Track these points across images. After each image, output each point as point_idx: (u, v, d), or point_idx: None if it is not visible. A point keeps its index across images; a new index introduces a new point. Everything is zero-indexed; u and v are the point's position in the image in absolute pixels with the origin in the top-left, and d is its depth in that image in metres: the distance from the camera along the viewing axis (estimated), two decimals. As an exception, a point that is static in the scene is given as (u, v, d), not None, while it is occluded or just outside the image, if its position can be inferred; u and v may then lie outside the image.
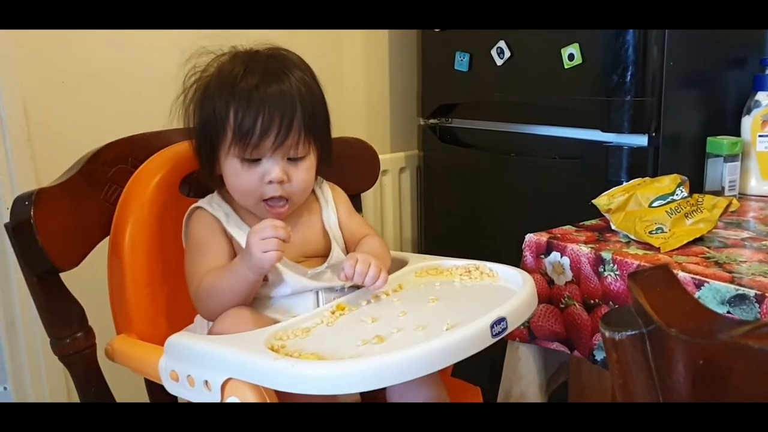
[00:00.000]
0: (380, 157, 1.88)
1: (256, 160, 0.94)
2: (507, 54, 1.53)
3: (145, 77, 1.51)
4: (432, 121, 1.81)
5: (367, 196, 1.86)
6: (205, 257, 0.95)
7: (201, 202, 1.01)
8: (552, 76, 1.44)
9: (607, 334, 0.49)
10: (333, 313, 0.90)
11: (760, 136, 1.41)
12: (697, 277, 0.95)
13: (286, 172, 0.94)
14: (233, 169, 0.94)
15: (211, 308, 0.93)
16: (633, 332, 0.47)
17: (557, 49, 1.42)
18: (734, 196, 1.38)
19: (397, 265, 1.09)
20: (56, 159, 1.13)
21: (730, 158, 1.36)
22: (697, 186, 1.40)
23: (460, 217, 1.76)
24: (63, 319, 0.93)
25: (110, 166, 1.04)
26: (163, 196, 1.04)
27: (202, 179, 1.03)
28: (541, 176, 1.53)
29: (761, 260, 1.01)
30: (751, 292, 0.89)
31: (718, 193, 1.37)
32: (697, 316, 0.42)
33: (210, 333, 0.93)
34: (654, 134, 1.37)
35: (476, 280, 1.01)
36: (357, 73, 1.88)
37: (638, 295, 0.48)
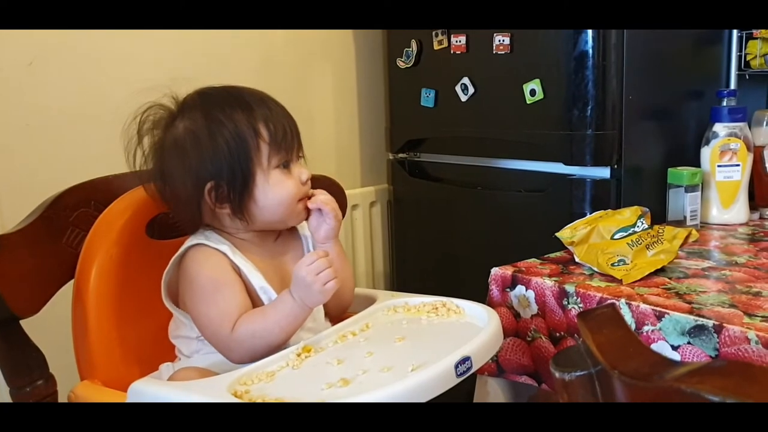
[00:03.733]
0: (351, 191, 1.91)
1: (288, 164, 0.96)
2: (471, 90, 1.56)
3: (109, 120, 1.50)
4: (401, 155, 1.82)
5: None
6: (227, 297, 0.92)
7: (197, 239, 0.96)
8: (515, 111, 1.47)
9: (557, 374, 0.49)
10: (299, 355, 0.89)
11: (718, 166, 1.45)
12: (658, 308, 0.97)
13: None
14: (278, 180, 0.94)
15: (253, 350, 0.90)
16: (582, 373, 0.48)
17: (519, 85, 1.45)
18: (696, 225, 1.41)
19: (366, 302, 1.09)
20: (21, 202, 1.12)
21: (691, 188, 1.39)
22: (659, 216, 1.42)
23: (431, 250, 1.77)
24: (23, 367, 0.92)
25: (72, 210, 1.04)
26: (129, 238, 1.03)
27: (185, 223, 0.99)
28: (508, 209, 1.55)
29: (720, 290, 1.03)
30: (710, 323, 0.91)
31: (681, 222, 1.40)
32: (640, 356, 0.43)
33: (170, 380, 0.92)
34: (616, 166, 1.40)
35: (443, 317, 1.02)
36: (326, 109, 1.90)
37: (585, 335, 0.48)
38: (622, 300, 1.01)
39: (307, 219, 1.02)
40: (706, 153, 1.46)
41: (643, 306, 0.98)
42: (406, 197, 1.83)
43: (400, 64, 1.72)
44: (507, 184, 1.56)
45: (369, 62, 1.92)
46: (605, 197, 1.40)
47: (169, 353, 1.03)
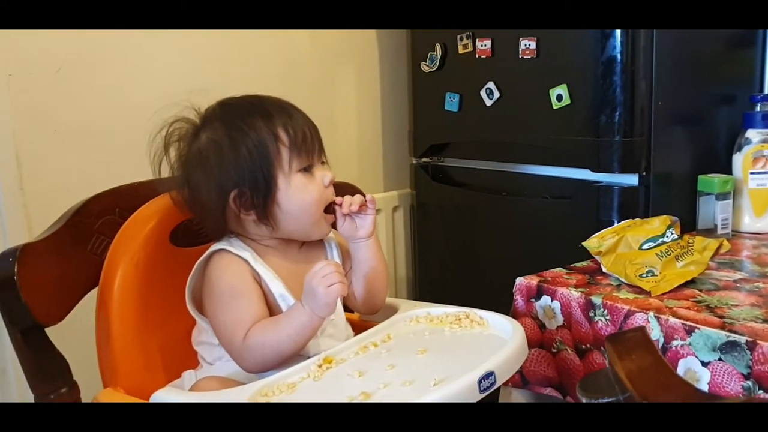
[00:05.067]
0: (373, 195, 1.90)
1: (310, 169, 0.96)
2: (496, 95, 1.54)
3: (136, 126, 1.51)
4: (424, 160, 1.81)
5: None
6: (243, 306, 0.92)
7: (221, 245, 0.97)
8: (541, 116, 1.45)
9: (584, 400, 0.48)
10: (320, 366, 0.88)
11: (751, 173, 1.41)
12: (688, 323, 0.94)
13: None
14: (301, 184, 0.94)
15: (264, 360, 0.90)
16: (609, 400, 0.46)
17: (546, 90, 1.43)
18: (727, 234, 1.37)
19: (388, 311, 1.08)
20: (49, 207, 1.12)
21: (722, 196, 1.36)
22: (689, 224, 1.39)
23: (455, 256, 1.75)
24: (47, 375, 0.93)
25: (97, 217, 1.04)
26: (153, 246, 1.03)
27: (210, 230, 0.99)
28: (534, 216, 1.52)
29: (753, 304, 1.01)
30: (742, 339, 0.88)
31: (711, 231, 1.37)
32: (672, 388, 0.41)
33: (192, 390, 0.92)
34: (644, 173, 1.37)
35: (466, 329, 1.00)
36: (349, 113, 1.89)
37: (614, 360, 0.47)
38: (651, 313, 0.99)
39: (335, 227, 1.01)
40: (739, 160, 1.43)
41: (672, 320, 0.96)
42: (430, 202, 1.82)
43: (425, 68, 1.70)
44: (532, 190, 1.54)
45: (393, 66, 1.91)
46: (633, 205, 1.37)
47: (192, 360, 1.03)
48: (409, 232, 1.94)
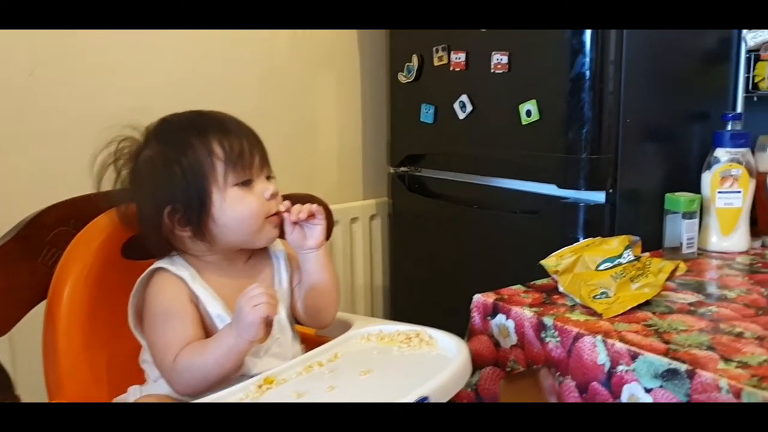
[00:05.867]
0: (351, 204, 1.90)
1: (249, 182, 0.95)
2: (469, 108, 1.54)
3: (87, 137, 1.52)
4: (402, 169, 1.81)
5: (337, 243, 1.86)
6: (175, 327, 0.92)
7: (162, 263, 0.98)
8: (511, 131, 1.44)
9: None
10: (260, 387, 0.88)
11: (719, 192, 1.40)
12: (633, 348, 0.94)
13: None
14: (236, 197, 0.94)
15: (192, 384, 0.90)
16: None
17: (516, 105, 1.42)
18: (692, 253, 1.37)
19: (342, 327, 1.08)
20: (19, 213, 1.10)
21: (688, 215, 1.35)
22: (656, 242, 1.39)
23: (428, 266, 1.75)
24: (-11, 389, 0.93)
25: (51, 229, 1.04)
26: (104, 259, 1.04)
27: (151, 247, 0.99)
28: (502, 230, 1.52)
29: (702, 329, 1.00)
30: (683, 367, 0.88)
31: (677, 249, 1.36)
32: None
33: (133, 405, 0.92)
34: (611, 191, 1.36)
35: (415, 348, 1.00)
36: (329, 120, 1.89)
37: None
38: (598, 337, 0.98)
39: (282, 237, 1.01)
40: (707, 178, 1.42)
41: (618, 344, 0.96)
42: (405, 212, 1.82)
43: (402, 78, 1.70)
44: (503, 204, 1.53)
45: (374, 75, 1.91)
46: (599, 223, 1.37)
47: (141, 376, 1.03)
48: (386, 240, 1.94)
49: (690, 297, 1.14)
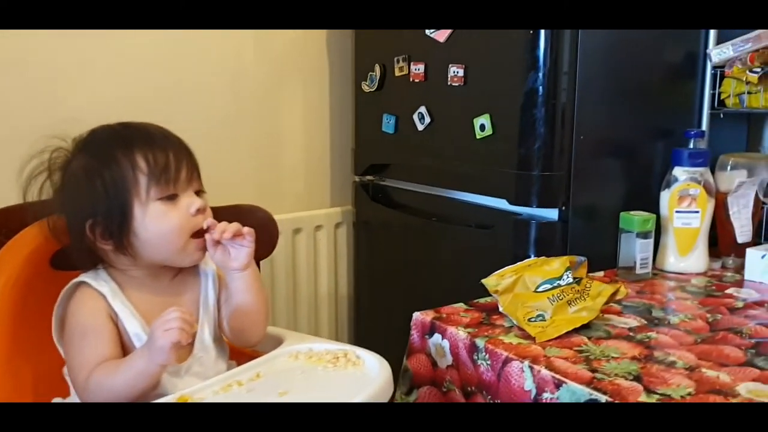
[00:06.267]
0: (316, 211, 1.89)
1: (174, 197, 0.93)
2: (427, 120, 1.52)
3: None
4: (368, 178, 1.79)
5: (301, 251, 1.84)
6: (91, 345, 0.91)
7: (85, 276, 0.97)
8: (466, 145, 1.42)
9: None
10: (172, 405, 0.87)
11: (677, 211, 1.38)
12: (557, 376, 0.92)
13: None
14: (158, 212, 0.92)
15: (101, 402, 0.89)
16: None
17: (470, 118, 1.40)
18: (647, 273, 1.34)
19: (274, 343, 1.07)
20: None
21: (642, 235, 1.33)
22: (612, 261, 1.37)
23: (390, 275, 1.73)
24: None
25: (-19, 237, 1.03)
26: (32, 269, 1.03)
27: (76, 259, 0.97)
28: (458, 244, 1.50)
29: (635, 357, 0.98)
30: (603, 398, 0.86)
31: (631, 269, 1.34)
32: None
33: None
34: (563, 208, 1.34)
35: (340, 369, 0.98)
36: (296, 126, 1.87)
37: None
38: (526, 362, 0.97)
39: (205, 256, 0.99)
40: (665, 197, 1.40)
41: (544, 371, 0.94)
42: (368, 221, 1.80)
43: (365, 87, 1.69)
44: (459, 217, 1.51)
45: (341, 82, 1.89)
46: (551, 240, 1.35)
47: (66, 388, 1.02)
48: (351, 249, 1.92)
49: (632, 321, 1.12)
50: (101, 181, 0.91)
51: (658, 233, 1.39)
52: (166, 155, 0.93)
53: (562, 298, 1.08)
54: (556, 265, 1.13)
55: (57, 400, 0.99)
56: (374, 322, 1.81)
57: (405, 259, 1.67)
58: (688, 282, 1.34)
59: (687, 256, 1.39)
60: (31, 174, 0.96)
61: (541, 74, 1.29)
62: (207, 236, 0.95)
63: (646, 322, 1.12)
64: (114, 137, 0.94)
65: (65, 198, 0.94)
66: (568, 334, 1.05)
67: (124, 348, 0.93)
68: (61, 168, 0.96)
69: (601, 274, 1.36)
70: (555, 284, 1.10)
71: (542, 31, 1.27)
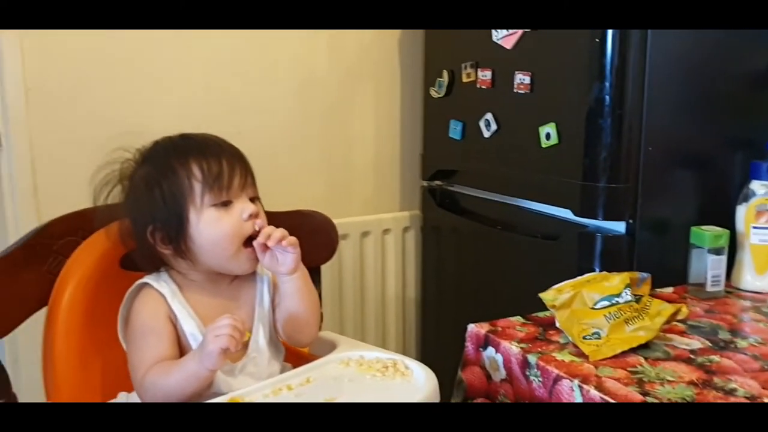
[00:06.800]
0: (384, 215, 1.90)
1: (228, 203, 0.97)
2: (493, 127, 1.51)
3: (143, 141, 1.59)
4: (436, 183, 1.79)
5: (369, 254, 1.87)
6: (150, 345, 0.96)
7: (148, 278, 1.02)
8: (531, 153, 1.41)
9: None
10: (223, 407, 0.91)
11: (753, 227, 1.31)
12: (606, 398, 0.90)
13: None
14: (212, 218, 0.96)
15: (155, 401, 0.93)
16: None
17: (536, 127, 1.38)
18: (718, 291, 1.28)
19: (327, 347, 1.09)
20: (61, 212, 1.15)
21: (714, 251, 1.27)
22: (683, 277, 1.31)
23: (456, 281, 1.73)
24: (-15, 387, 1.00)
25: (58, 238, 1.10)
26: (104, 269, 1.09)
27: (140, 262, 1.03)
28: (523, 253, 1.49)
29: (691, 381, 0.94)
30: (652, 424, 0.83)
31: (701, 287, 1.28)
32: None
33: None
34: (631, 221, 1.30)
35: (388, 379, 0.99)
36: (366, 131, 1.89)
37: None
38: (576, 381, 0.95)
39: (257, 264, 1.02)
40: (742, 212, 1.33)
41: (593, 392, 0.92)
42: (435, 226, 1.80)
43: (433, 93, 1.69)
44: (525, 226, 1.49)
45: (410, 88, 1.89)
46: (617, 254, 1.31)
47: (131, 383, 1.08)
48: (419, 254, 1.93)
49: (695, 342, 1.08)
50: (160, 190, 0.97)
51: (733, 249, 1.33)
52: (220, 163, 0.97)
53: (619, 317, 1.05)
54: (616, 281, 1.10)
55: (122, 394, 1.05)
56: (441, 327, 1.81)
57: (470, 266, 1.67)
58: (764, 302, 1.27)
59: (765, 275, 1.32)
60: (102, 182, 1.02)
61: (607, 83, 1.26)
62: (255, 241, 0.98)
63: (710, 344, 1.07)
64: (172, 148, 0.99)
65: (130, 205, 1.00)
66: (624, 353, 1.02)
67: (182, 348, 0.97)
68: (127, 177, 1.01)
69: (670, 290, 1.31)
70: (613, 301, 1.07)
71: (609, 38, 1.24)
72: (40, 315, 1.08)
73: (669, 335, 1.10)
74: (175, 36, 1.60)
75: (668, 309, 1.06)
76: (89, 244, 1.10)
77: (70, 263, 1.08)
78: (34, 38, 1.47)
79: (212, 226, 0.96)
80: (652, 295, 1.14)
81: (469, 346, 1.16)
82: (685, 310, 1.07)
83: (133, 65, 1.58)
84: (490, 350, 1.11)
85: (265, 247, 0.98)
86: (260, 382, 0.97)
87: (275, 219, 1.05)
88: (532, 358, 1.03)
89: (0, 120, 1.49)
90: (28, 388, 1.51)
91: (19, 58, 1.47)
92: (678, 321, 1.12)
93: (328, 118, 1.83)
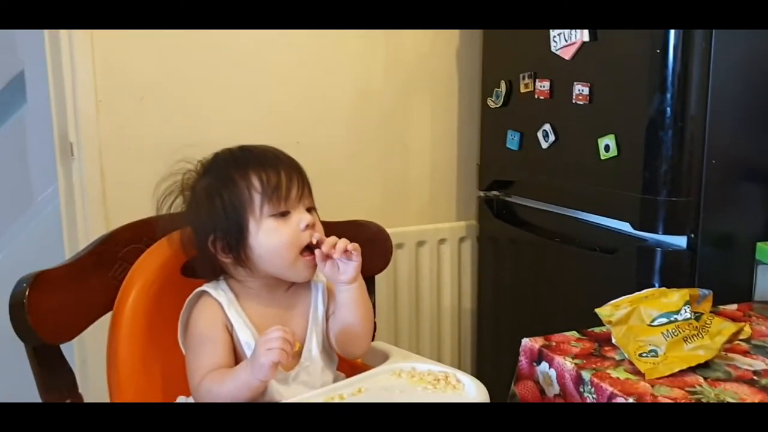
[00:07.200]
0: (440, 225, 1.90)
1: (286, 214, 1.00)
2: (551, 137, 1.49)
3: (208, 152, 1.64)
4: (493, 193, 1.78)
5: (424, 264, 1.87)
6: (206, 352, 1.00)
7: (207, 286, 1.05)
8: (589, 165, 1.39)
9: None
10: (276, 414, 0.93)
11: (826, 244, 1.26)
12: (662, 418, 0.87)
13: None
14: (270, 228, 0.99)
15: None
16: None
17: (595, 138, 1.36)
18: (786, 310, 1.24)
19: (380, 357, 1.10)
20: (128, 219, 1.20)
21: (782, 268, 1.22)
22: (748, 294, 1.27)
23: (511, 293, 1.72)
24: (54, 388, 1.04)
25: (124, 245, 1.14)
26: (166, 276, 1.12)
27: (201, 270, 1.06)
28: (581, 266, 1.47)
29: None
30: (709, 447, 0.81)
31: (767, 305, 1.24)
32: None
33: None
34: (692, 236, 1.27)
35: (440, 391, 0.99)
36: (423, 141, 1.90)
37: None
38: (630, 399, 0.93)
39: (315, 271, 1.04)
40: (813, 227, 1.28)
41: (648, 411, 0.90)
42: (492, 236, 1.79)
43: (490, 103, 1.68)
44: (582, 239, 1.47)
45: (468, 97, 1.89)
46: (678, 269, 1.28)
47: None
48: (475, 264, 1.92)
49: (759, 363, 1.04)
50: (221, 201, 0.99)
51: (803, 266, 1.27)
52: (278, 175, 1.00)
53: (677, 334, 1.02)
54: (675, 298, 1.07)
55: (181, 397, 1.08)
56: (497, 339, 1.80)
57: (527, 278, 1.65)
58: (835, 322, 1.22)
59: (837, 294, 1.27)
60: (164, 192, 1.06)
61: (669, 94, 1.23)
62: (317, 251, 1.00)
63: (775, 366, 1.03)
64: (232, 160, 1.02)
65: (192, 215, 1.03)
66: (683, 372, 0.99)
67: (237, 355, 1.00)
68: (189, 188, 1.05)
69: (733, 307, 1.27)
70: (671, 319, 1.05)
71: (671, 48, 1.21)
72: (108, 319, 1.13)
73: (731, 355, 1.06)
74: (238, 51, 1.65)
75: (730, 328, 1.02)
76: (152, 252, 1.14)
77: (133, 270, 1.12)
78: (105, 53, 1.54)
79: (271, 235, 0.99)
80: (714, 313, 1.11)
81: (523, 361, 1.15)
82: (748, 329, 1.04)
83: (197, 80, 1.63)
84: (544, 365, 1.10)
85: (327, 257, 1.00)
86: (312, 391, 0.99)
87: (331, 229, 1.07)
88: (586, 375, 1.01)
89: (73, 130, 1.56)
90: (97, 389, 1.59)
91: (91, 72, 1.54)
92: (741, 340, 1.08)
93: (385, 128, 1.84)
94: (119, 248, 1.14)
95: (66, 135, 1.57)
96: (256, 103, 1.69)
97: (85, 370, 1.59)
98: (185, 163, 1.06)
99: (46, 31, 1.56)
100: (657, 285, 1.27)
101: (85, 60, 1.53)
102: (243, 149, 1.04)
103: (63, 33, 1.52)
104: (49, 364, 1.05)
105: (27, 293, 0.99)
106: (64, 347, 1.08)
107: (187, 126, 1.62)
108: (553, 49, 1.46)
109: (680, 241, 1.29)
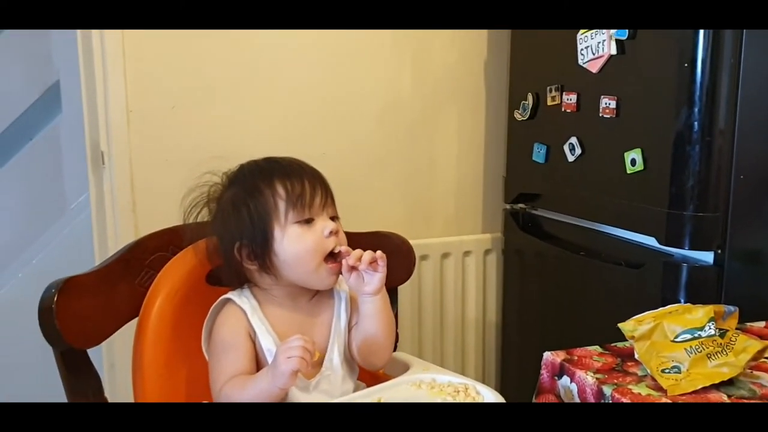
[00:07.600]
0: (466, 237, 1.90)
1: (310, 221, 1.02)
2: (578, 151, 1.48)
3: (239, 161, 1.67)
4: (519, 206, 1.78)
5: (449, 276, 1.87)
6: (229, 359, 1.01)
7: (231, 294, 1.07)
8: (616, 179, 1.38)
9: None
10: (295, 422, 0.93)
11: None
12: (683, 436, 0.86)
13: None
14: (295, 235, 1.01)
15: None
16: None
17: (621, 152, 1.35)
18: (816, 328, 1.21)
19: (400, 368, 1.11)
20: (158, 227, 1.22)
21: (812, 286, 1.20)
22: (778, 311, 1.25)
23: (537, 307, 1.71)
24: (80, 391, 1.06)
25: (151, 253, 1.17)
26: (191, 283, 1.14)
27: (226, 278, 1.08)
28: (606, 281, 1.45)
29: (778, 424, 0.89)
30: (731, 467, 0.80)
31: (796, 323, 1.22)
32: None
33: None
34: (719, 251, 1.25)
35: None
36: (449, 153, 1.90)
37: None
38: (652, 417, 0.92)
39: (338, 279, 1.05)
40: None
41: (669, 429, 0.88)
42: (517, 249, 1.79)
43: (517, 116, 1.68)
44: (608, 253, 1.46)
45: (495, 110, 1.89)
46: (704, 285, 1.26)
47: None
48: (500, 277, 1.91)
49: (786, 382, 1.02)
50: (247, 209, 1.02)
51: (835, 284, 1.25)
52: (302, 183, 1.02)
53: (701, 351, 1.01)
54: (699, 314, 1.06)
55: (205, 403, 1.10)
56: (522, 352, 1.79)
57: (552, 291, 1.64)
58: None
59: None
60: (191, 203, 1.08)
61: (696, 108, 1.22)
62: (343, 261, 1.01)
63: (803, 385, 1.01)
64: (258, 170, 1.04)
65: (218, 224, 1.05)
66: (705, 389, 0.98)
67: (259, 362, 1.01)
68: (215, 200, 1.07)
69: (761, 324, 1.25)
70: (695, 335, 1.03)
71: (699, 62, 1.21)
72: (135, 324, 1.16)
73: (756, 373, 1.04)
74: (266, 63, 1.68)
75: (755, 345, 1.01)
76: (178, 260, 1.16)
77: (159, 278, 1.14)
78: (136, 64, 1.58)
79: (295, 241, 1.00)
80: (741, 330, 1.10)
81: (545, 374, 1.14)
82: (774, 347, 1.02)
83: (226, 91, 1.66)
84: (565, 379, 1.09)
85: (353, 268, 1.01)
86: (333, 400, 0.99)
87: (354, 240, 1.08)
88: (607, 390, 1.00)
89: (104, 140, 1.59)
90: (125, 393, 1.62)
91: (122, 82, 1.57)
92: (767, 358, 1.06)
93: (411, 139, 1.85)
94: (146, 256, 1.17)
95: (97, 144, 1.61)
96: (283, 114, 1.71)
97: (113, 374, 1.61)
98: (211, 175, 1.09)
99: (79, 41, 1.60)
100: (683, 301, 1.26)
101: (117, 71, 1.57)
102: (268, 160, 1.07)
103: (96, 43, 1.56)
104: (76, 368, 1.07)
105: (55, 298, 1.02)
106: (93, 352, 1.11)
107: (216, 136, 1.65)
108: (580, 62, 1.45)
109: (707, 256, 1.27)
